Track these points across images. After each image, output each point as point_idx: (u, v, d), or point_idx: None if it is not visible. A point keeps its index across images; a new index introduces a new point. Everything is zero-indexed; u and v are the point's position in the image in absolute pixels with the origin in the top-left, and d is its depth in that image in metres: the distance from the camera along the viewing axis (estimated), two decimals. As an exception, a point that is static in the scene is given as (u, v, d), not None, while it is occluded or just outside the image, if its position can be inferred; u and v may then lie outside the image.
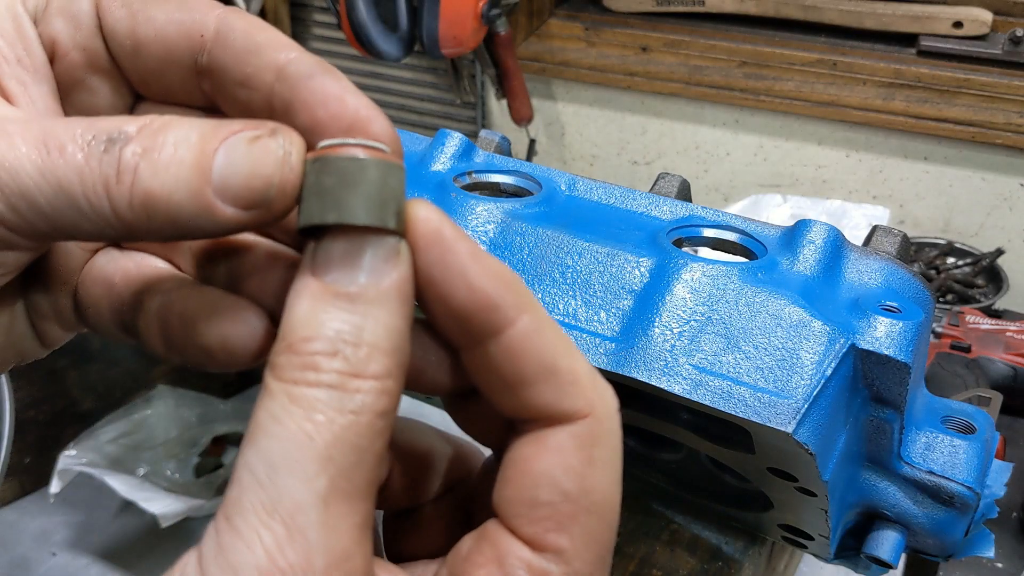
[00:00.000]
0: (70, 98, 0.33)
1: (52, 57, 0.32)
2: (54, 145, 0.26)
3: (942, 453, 0.55)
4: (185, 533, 0.95)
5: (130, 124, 0.27)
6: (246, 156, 0.26)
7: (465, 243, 0.28)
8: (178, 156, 0.26)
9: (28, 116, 0.29)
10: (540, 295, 0.52)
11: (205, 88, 0.32)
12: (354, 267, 0.26)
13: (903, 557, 0.62)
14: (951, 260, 1.64)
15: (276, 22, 2.23)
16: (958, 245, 1.65)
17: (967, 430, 0.56)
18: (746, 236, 0.54)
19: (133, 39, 0.31)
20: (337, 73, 0.30)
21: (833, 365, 0.47)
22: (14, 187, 0.26)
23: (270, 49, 0.30)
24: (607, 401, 0.29)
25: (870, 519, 0.59)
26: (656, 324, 0.49)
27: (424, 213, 0.28)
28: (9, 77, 0.31)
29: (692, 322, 0.49)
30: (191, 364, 0.32)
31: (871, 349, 0.48)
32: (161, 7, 0.31)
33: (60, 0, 0.32)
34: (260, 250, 0.33)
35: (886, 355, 0.48)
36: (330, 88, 0.29)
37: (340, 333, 0.26)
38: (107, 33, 0.32)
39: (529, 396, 0.28)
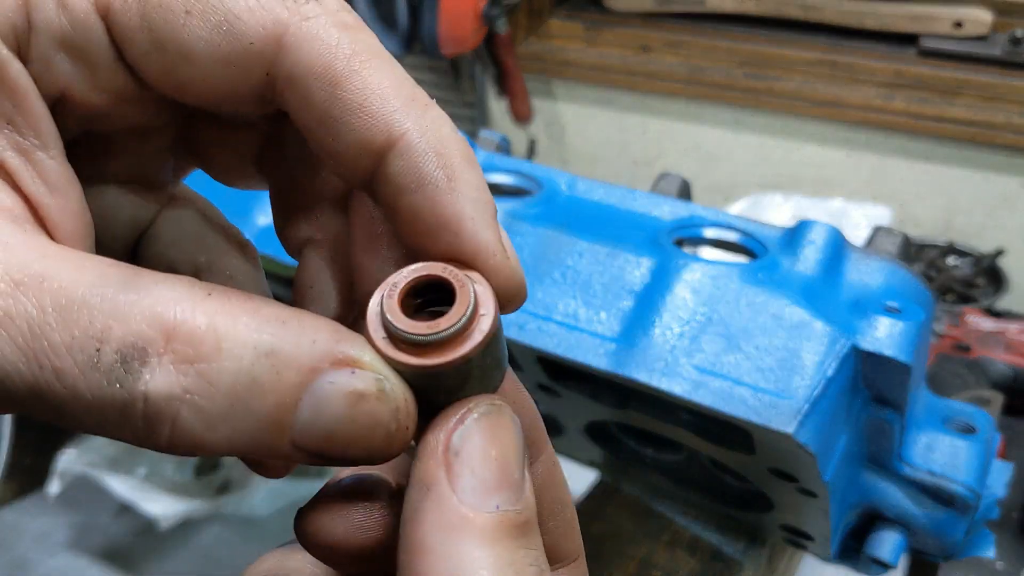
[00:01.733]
0: (96, 122, 0.24)
1: (62, 105, 0.23)
2: (47, 362, 0.19)
3: (943, 453, 0.55)
4: (185, 533, 0.95)
5: (150, 329, 0.19)
6: (345, 420, 0.20)
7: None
8: (242, 408, 0.20)
9: (7, 261, 0.20)
10: (540, 295, 0.52)
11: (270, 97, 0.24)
12: (511, 484, 0.21)
13: (903, 557, 0.62)
14: (952, 260, 1.64)
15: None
16: (958, 245, 1.65)
17: (968, 430, 0.56)
18: (747, 236, 0.54)
19: (170, 83, 0.23)
20: (455, 177, 0.22)
21: (834, 366, 0.47)
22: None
23: (364, 120, 0.22)
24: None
25: (871, 519, 0.59)
26: (656, 324, 0.49)
27: None
28: (6, 149, 0.22)
29: (693, 322, 0.49)
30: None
31: (872, 350, 0.48)
32: (199, 26, 0.22)
33: (52, 24, 0.22)
34: None
35: (887, 356, 0.48)
36: (444, 213, 0.22)
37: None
38: (135, 69, 0.23)
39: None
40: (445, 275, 0.22)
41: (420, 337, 0.21)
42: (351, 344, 0.21)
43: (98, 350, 0.19)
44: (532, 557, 0.20)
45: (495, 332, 0.22)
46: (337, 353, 0.20)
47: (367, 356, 0.21)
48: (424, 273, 0.23)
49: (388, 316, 0.22)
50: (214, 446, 0.20)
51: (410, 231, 0.23)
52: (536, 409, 0.26)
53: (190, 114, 0.27)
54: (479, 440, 0.21)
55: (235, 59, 0.22)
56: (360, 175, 0.23)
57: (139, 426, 0.19)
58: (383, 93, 0.22)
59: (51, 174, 0.22)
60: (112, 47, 0.23)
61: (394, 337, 0.22)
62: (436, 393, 0.22)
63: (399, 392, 0.21)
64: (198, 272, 0.28)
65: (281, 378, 0.20)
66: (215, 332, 0.20)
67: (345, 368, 0.20)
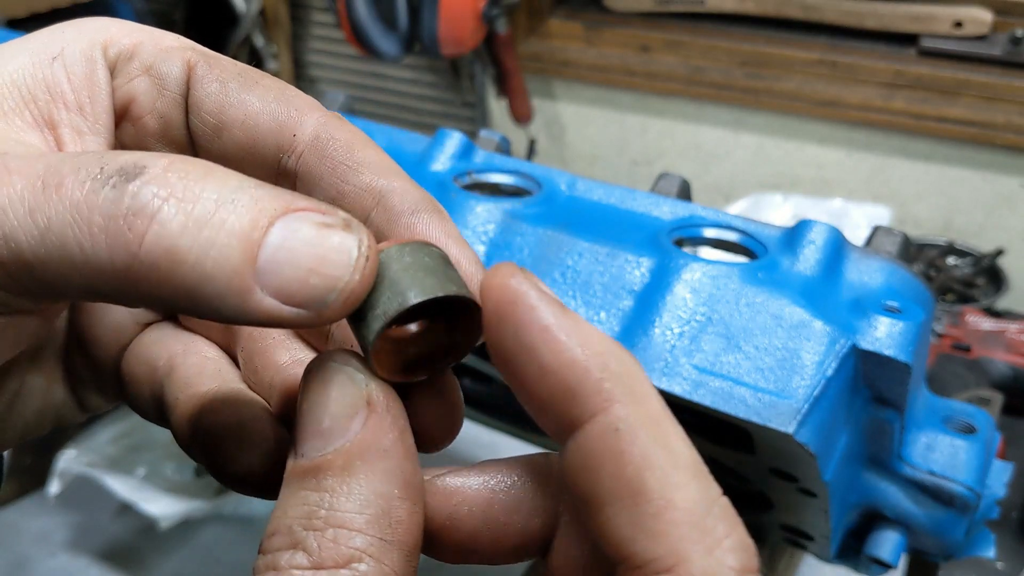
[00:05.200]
0: None
1: (123, 116, 0.28)
2: (52, 181, 0.21)
3: (943, 453, 0.55)
4: (185, 534, 0.95)
5: (154, 159, 0.22)
6: (311, 244, 0.21)
7: (542, 312, 0.22)
8: (219, 216, 0.21)
9: (44, 150, 0.25)
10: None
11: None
12: (316, 432, 0.23)
13: (903, 557, 0.62)
14: (951, 260, 1.64)
15: (276, 22, 2.23)
16: (958, 245, 1.65)
17: (968, 430, 0.56)
18: (747, 236, 0.54)
19: (219, 119, 0.28)
20: (443, 214, 0.27)
21: (834, 366, 0.47)
22: None
23: (374, 170, 0.27)
24: (716, 558, 0.20)
25: (871, 519, 0.59)
26: (656, 324, 0.49)
27: (495, 280, 0.22)
28: (65, 124, 0.27)
29: (693, 322, 0.49)
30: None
31: (872, 349, 0.48)
32: (258, 93, 0.28)
33: (149, 56, 0.28)
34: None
35: (887, 355, 0.48)
36: (434, 231, 0.26)
37: (300, 520, 0.22)
38: (192, 105, 0.28)
39: (602, 522, 0.21)
40: None
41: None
42: (328, 204, 0.23)
43: (102, 168, 0.21)
44: (311, 499, 0.22)
45: (411, 248, 0.24)
46: (314, 204, 0.22)
47: (340, 211, 0.23)
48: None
49: None
50: (184, 256, 0.21)
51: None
52: (589, 362, 0.22)
53: None
54: (300, 395, 0.24)
55: (278, 115, 0.27)
56: (361, 210, 0.27)
57: (119, 224, 0.21)
58: (387, 163, 0.28)
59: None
60: (184, 85, 0.28)
61: None
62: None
63: (364, 232, 0.22)
64: None
65: (259, 203, 0.21)
66: (209, 167, 0.22)
67: (318, 212, 0.22)
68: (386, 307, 0.23)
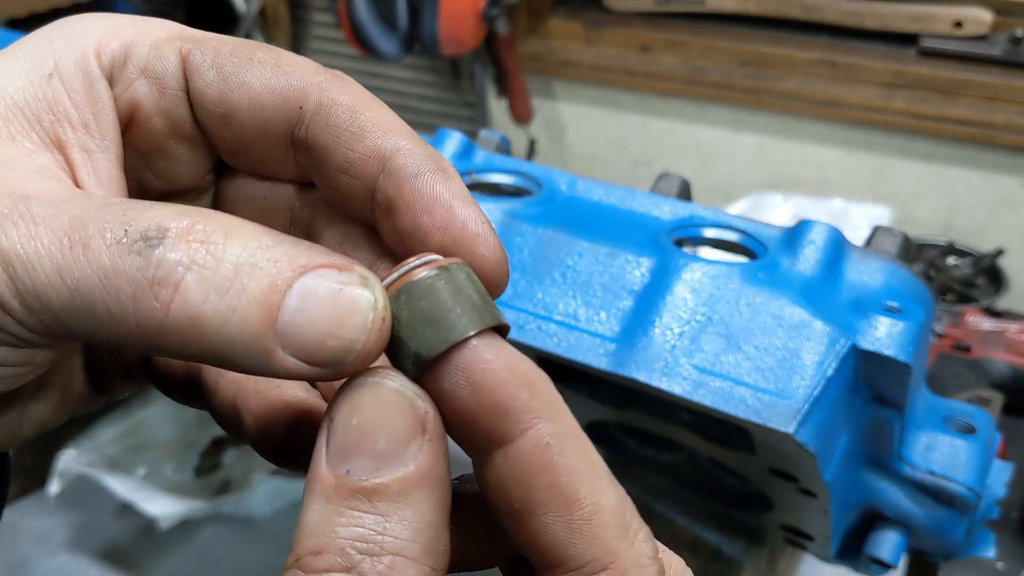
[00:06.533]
0: (150, 163, 0.29)
1: (130, 122, 0.28)
2: (78, 239, 0.22)
3: (943, 453, 0.55)
4: (185, 534, 0.95)
5: (172, 220, 0.22)
6: (328, 307, 0.22)
7: (481, 348, 0.24)
8: (239, 283, 0.22)
9: (65, 195, 0.24)
10: (540, 295, 0.52)
11: (301, 162, 0.28)
12: (369, 451, 0.22)
13: (903, 557, 0.62)
14: (952, 260, 1.64)
15: (276, 22, 2.23)
16: (959, 245, 1.65)
17: (968, 430, 0.56)
18: (747, 236, 0.54)
19: (223, 106, 0.27)
20: (448, 172, 0.27)
21: (834, 366, 0.47)
22: (29, 285, 0.22)
23: (377, 133, 0.27)
24: (637, 549, 0.23)
25: (871, 519, 0.59)
26: (656, 324, 0.49)
27: None
28: (73, 144, 0.27)
29: (693, 322, 0.49)
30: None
31: (872, 349, 0.48)
32: (256, 71, 0.27)
33: (143, 58, 0.27)
34: None
35: (887, 355, 0.48)
36: (440, 192, 0.26)
37: (355, 542, 0.21)
38: (194, 98, 0.28)
39: (536, 529, 0.23)
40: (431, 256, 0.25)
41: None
42: (344, 259, 0.23)
43: (126, 231, 0.22)
44: (366, 521, 0.22)
45: (423, 287, 0.24)
46: (331, 260, 0.23)
47: (356, 267, 0.23)
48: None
49: None
50: (207, 323, 0.22)
51: (409, 209, 0.26)
52: (518, 382, 0.23)
53: (224, 179, 0.31)
54: (344, 409, 0.23)
55: (282, 89, 0.27)
56: (370, 176, 0.27)
57: (146, 292, 0.22)
58: (389, 122, 0.27)
59: (103, 172, 0.27)
60: (183, 80, 0.28)
61: None
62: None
63: (379, 290, 0.23)
64: None
65: (277, 266, 0.22)
66: (228, 226, 0.23)
67: (335, 269, 0.23)
68: (430, 345, 0.23)
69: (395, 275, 0.24)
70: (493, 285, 0.26)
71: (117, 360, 0.32)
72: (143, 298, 0.22)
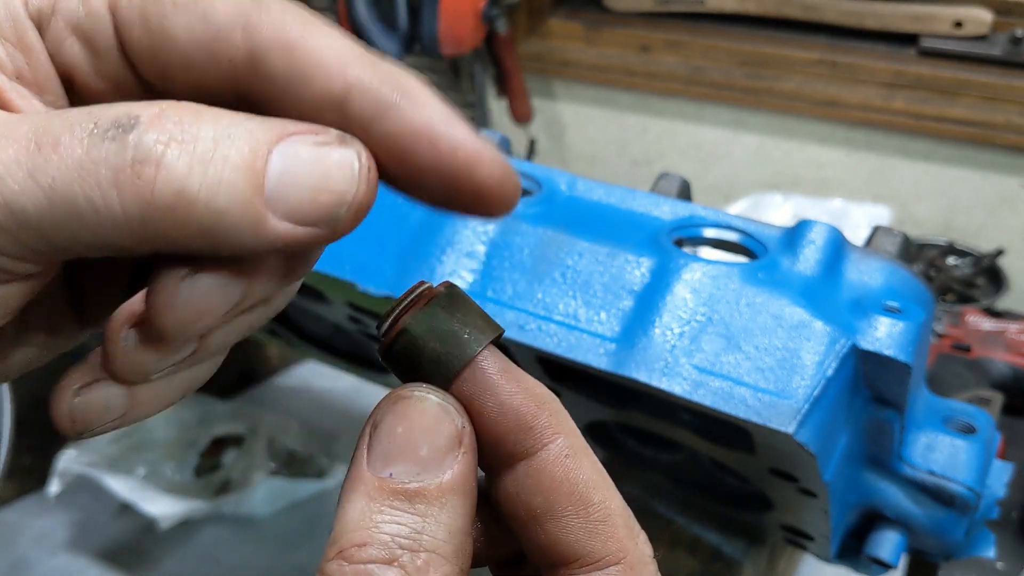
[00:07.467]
0: None
1: (71, 84, 0.26)
2: (46, 141, 0.21)
3: (943, 453, 0.55)
4: (185, 534, 0.95)
5: (141, 108, 0.22)
6: (312, 164, 0.22)
7: (494, 360, 0.26)
8: (221, 152, 0.21)
9: (20, 115, 0.22)
10: (540, 295, 0.52)
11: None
12: (412, 457, 0.25)
13: (903, 557, 0.62)
14: (951, 260, 1.64)
15: (276, 22, 2.23)
16: (958, 245, 1.65)
17: (968, 430, 0.56)
18: (747, 236, 0.54)
19: (156, 65, 0.25)
20: (414, 94, 0.23)
21: (834, 366, 0.47)
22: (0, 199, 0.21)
23: (323, 74, 0.23)
24: (641, 548, 0.27)
25: (871, 519, 0.59)
26: (656, 324, 0.49)
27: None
28: (10, 90, 0.25)
29: (693, 322, 0.49)
30: None
31: (872, 349, 0.48)
32: (180, 17, 0.24)
33: (72, 12, 0.25)
34: None
35: (887, 355, 0.48)
36: (415, 124, 0.23)
37: (396, 538, 0.24)
38: (130, 55, 0.25)
39: (556, 531, 0.26)
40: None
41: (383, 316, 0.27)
42: (318, 125, 0.23)
43: (95, 123, 0.21)
44: (406, 520, 0.24)
45: (437, 309, 0.26)
46: (305, 126, 0.23)
47: (331, 128, 0.23)
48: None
49: None
50: (195, 196, 0.21)
51: (388, 159, 0.24)
52: (537, 403, 0.27)
53: None
54: (390, 418, 0.25)
55: (208, 42, 0.24)
56: (333, 123, 0.24)
57: (128, 174, 0.21)
58: (335, 51, 0.23)
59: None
60: (116, 38, 0.25)
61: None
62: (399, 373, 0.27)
63: (359, 144, 0.23)
64: None
65: (254, 134, 0.22)
66: (197, 109, 0.22)
67: (310, 132, 0.22)
68: (458, 357, 0.26)
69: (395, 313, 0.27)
70: (504, 204, 0.24)
71: (104, 282, 0.30)
72: (125, 180, 0.21)
